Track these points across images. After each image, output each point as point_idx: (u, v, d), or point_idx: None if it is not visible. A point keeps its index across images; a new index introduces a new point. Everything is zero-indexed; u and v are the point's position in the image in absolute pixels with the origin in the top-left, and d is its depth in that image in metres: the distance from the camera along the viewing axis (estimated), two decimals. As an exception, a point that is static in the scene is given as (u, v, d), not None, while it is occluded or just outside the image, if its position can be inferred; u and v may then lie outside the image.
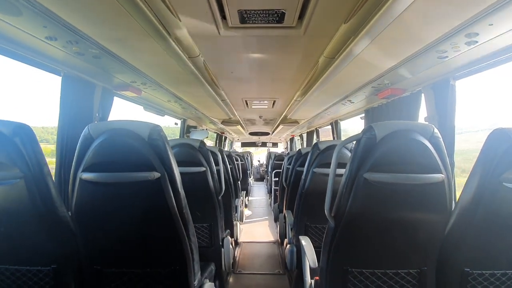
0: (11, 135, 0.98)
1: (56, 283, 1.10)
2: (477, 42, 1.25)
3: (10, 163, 0.97)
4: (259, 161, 12.11)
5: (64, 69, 1.70)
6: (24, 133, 1.00)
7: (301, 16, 1.41)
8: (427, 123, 1.54)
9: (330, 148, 1.91)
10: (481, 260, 1.03)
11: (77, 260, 1.13)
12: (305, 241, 1.62)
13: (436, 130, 1.05)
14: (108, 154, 1.03)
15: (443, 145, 1.05)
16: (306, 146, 6.49)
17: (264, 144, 10.48)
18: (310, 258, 1.45)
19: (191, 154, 1.90)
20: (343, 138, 5.35)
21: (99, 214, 1.07)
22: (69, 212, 1.11)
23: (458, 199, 1.04)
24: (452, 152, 1.69)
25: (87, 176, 1.02)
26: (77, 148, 1.06)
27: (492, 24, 1.10)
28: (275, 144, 10.69)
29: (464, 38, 1.23)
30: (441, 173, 1.02)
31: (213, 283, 1.45)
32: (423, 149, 1.01)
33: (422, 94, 2.02)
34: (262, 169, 11.28)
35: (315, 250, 1.52)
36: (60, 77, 1.75)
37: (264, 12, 1.36)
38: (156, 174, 1.03)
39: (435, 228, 1.07)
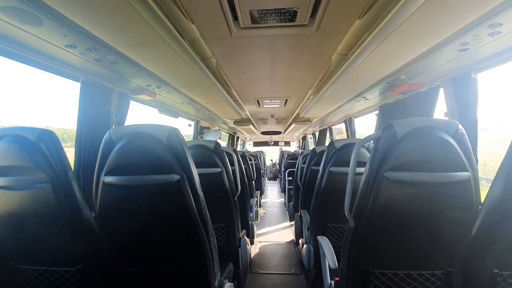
0: (37, 141, 1.02)
1: (81, 283, 1.14)
2: (501, 32, 1.20)
3: (37, 168, 1.02)
4: (271, 160, 12.10)
5: (82, 75, 1.75)
6: (48, 138, 1.04)
7: (313, 14, 1.39)
8: (450, 119, 1.48)
9: (346, 146, 1.88)
10: (511, 260, 0.99)
11: (102, 260, 1.16)
12: (324, 242, 1.60)
13: (460, 127, 1.01)
14: (129, 157, 1.05)
15: (468, 141, 1.01)
16: (318, 144, 6.42)
17: (276, 143, 10.44)
18: (330, 258, 1.43)
19: (207, 155, 1.92)
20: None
21: (121, 216, 1.10)
22: (93, 213, 1.15)
23: (485, 198, 1.00)
24: (475, 148, 1.63)
25: (109, 179, 1.05)
26: (99, 152, 1.09)
27: None
28: (287, 143, 10.63)
29: (487, 29, 1.17)
30: (467, 171, 0.98)
31: (232, 283, 1.46)
32: (447, 147, 0.98)
33: (440, 89, 1.96)
34: (275, 168, 11.25)
35: (333, 250, 1.51)
36: (79, 83, 1.81)
37: (276, 11, 1.36)
38: (176, 177, 1.05)
39: (461, 228, 1.03)
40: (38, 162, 1.01)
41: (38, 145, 1.02)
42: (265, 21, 1.44)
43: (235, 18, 1.42)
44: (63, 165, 1.05)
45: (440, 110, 1.98)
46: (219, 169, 1.94)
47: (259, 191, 5.70)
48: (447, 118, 1.83)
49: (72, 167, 1.73)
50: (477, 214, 1.01)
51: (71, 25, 1.16)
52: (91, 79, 1.80)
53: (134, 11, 1.10)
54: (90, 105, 1.86)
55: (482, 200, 1.03)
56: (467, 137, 1.02)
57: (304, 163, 3.15)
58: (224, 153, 2.02)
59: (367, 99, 2.77)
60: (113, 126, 2.05)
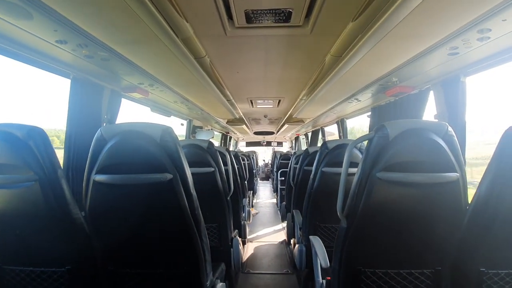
0: (25, 138, 1.00)
1: (70, 284, 1.12)
2: (489, 38, 1.23)
3: (25, 166, 0.99)
4: (264, 160, 12.12)
5: (73, 72, 1.71)
6: (38, 136, 1.01)
7: (308, 15, 1.40)
8: (440, 121, 1.52)
9: (339, 147, 1.90)
10: (497, 259, 1.01)
11: (92, 261, 1.14)
12: (316, 241, 1.61)
13: (450, 128, 1.04)
14: (121, 156, 1.03)
15: (457, 143, 1.04)
16: (310, 145, 6.47)
17: (269, 144, 10.47)
18: (322, 258, 1.45)
19: (200, 154, 1.91)
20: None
21: (112, 215, 1.09)
22: (82, 213, 1.12)
23: (472, 198, 1.03)
24: (463, 150, 1.67)
25: (100, 178, 1.03)
26: (90, 150, 1.07)
27: (505, 20, 1.08)
28: (280, 143, 10.67)
29: (476, 34, 1.21)
30: (456, 172, 1.01)
31: (224, 283, 1.46)
32: (437, 148, 1.00)
33: (430, 92, 2.00)
34: (267, 168, 11.27)
35: (325, 250, 1.52)
36: (69, 80, 1.77)
37: (271, 11, 1.36)
38: (168, 176, 1.03)
39: (450, 227, 1.05)
40: (26, 160, 0.98)
41: (26, 142, 0.99)
42: (260, 21, 1.44)
43: (230, 17, 1.42)
44: (52, 163, 1.02)
45: (430, 112, 2.03)
46: (212, 169, 1.93)
47: (252, 191, 5.70)
48: (436, 120, 1.87)
49: (62, 166, 1.70)
50: (465, 214, 1.04)
51: (62, 20, 1.13)
52: (81, 76, 1.76)
53: (127, 7, 1.08)
54: (81, 102, 1.82)
55: (469, 201, 1.06)
56: (456, 138, 1.05)
57: (296, 163, 3.17)
58: (217, 152, 2.01)
59: (360, 101, 2.80)
60: (104, 124, 2.01)
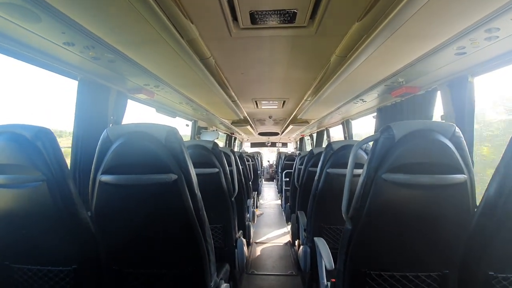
0: (33, 139, 1.01)
1: (76, 283, 1.13)
2: (497, 37, 1.21)
3: (32, 166, 1.01)
4: (268, 161, 12.11)
5: (80, 74, 1.74)
6: (45, 137, 1.03)
7: (312, 16, 1.40)
8: (447, 122, 1.50)
9: (344, 148, 1.89)
10: (506, 263, 0.99)
11: (97, 260, 1.15)
12: (321, 243, 1.60)
13: (457, 130, 1.02)
14: (127, 156, 1.05)
15: (465, 144, 1.02)
16: (315, 146, 6.44)
17: (273, 144, 10.46)
18: (327, 260, 1.44)
19: (205, 155, 1.91)
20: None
21: (118, 215, 1.10)
22: (89, 213, 1.14)
23: (481, 200, 1.01)
24: (471, 151, 1.64)
25: (106, 178, 1.04)
26: (96, 151, 1.08)
27: None
28: (284, 144, 10.65)
29: (484, 34, 1.19)
30: (464, 174, 0.99)
31: (228, 284, 1.46)
32: (444, 149, 0.99)
33: (438, 92, 1.98)
34: (272, 169, 11.26)
35: (330, 252, 1.51)
36: (77, 82, 1.80)
37: (276, 12, 1.36)
38: (173, 176, 1.04)
39: (457, 230, 1.04)
40: (34, 160, 1.00)
41: (34, 143, 1.01)
42: (265, 22, 1.45)
43: (235, 18, 1.43)
44: (60, 164, 1.04)
45: (436, 113, 2.01)
46: (217, 170, 1.94)
47: (256, 192, 5.69)
48: (443, 121, 1.85)
49: (69, 166, 1.72)
50: (473, 217, 1.02)
51: (70, 22, 1.15)
52: (88, 78, 1.79)
53: (134, 10, 1.09)
54: (88, 103, 1.84)
55: (477, 203, 1.04)
56: (463, 140, 1.03)
57: (301, 164, 3.16)
58: (222, 153, 2.02)
59: (365, 101, 2.78)
60: (110, 125, 2.04)
